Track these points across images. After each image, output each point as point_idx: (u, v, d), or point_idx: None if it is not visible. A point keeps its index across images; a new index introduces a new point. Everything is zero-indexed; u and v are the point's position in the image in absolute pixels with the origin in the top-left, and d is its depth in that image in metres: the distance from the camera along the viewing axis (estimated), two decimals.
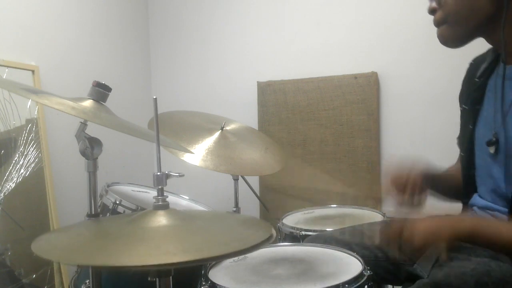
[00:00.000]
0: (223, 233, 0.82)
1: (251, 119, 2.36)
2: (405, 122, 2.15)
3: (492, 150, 0.99)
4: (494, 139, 0.98)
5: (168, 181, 0.85)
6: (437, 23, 1.01)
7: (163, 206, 0.83)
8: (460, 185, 1.17)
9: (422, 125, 2.11)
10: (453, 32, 1.00)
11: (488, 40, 1.01)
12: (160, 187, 0.83)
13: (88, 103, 1.04)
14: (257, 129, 2.34)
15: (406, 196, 1.14)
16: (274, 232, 0.80)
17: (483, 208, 1.05)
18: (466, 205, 1.13)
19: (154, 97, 0.83)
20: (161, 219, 0.80)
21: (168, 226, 0.79)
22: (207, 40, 2.59)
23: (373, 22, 2.19)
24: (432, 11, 1.02)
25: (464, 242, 0.91)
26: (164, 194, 0.84)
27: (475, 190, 1.10)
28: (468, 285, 0.93)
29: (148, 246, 0.72)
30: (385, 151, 2.19)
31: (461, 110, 1.17)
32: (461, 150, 1.15)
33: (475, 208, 1.08)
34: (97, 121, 0.94)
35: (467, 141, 1.11)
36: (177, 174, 0.84)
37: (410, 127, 2.14)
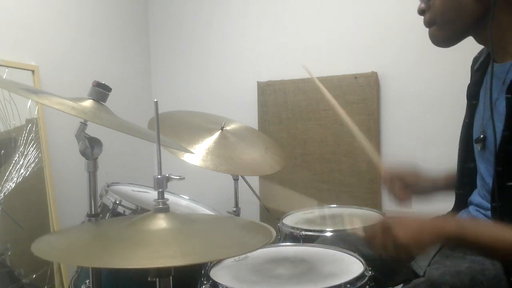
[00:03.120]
0: (223, 237, 0.82)
1: (251, 119, 2.36)
2: (405, 122, 2.15)
3: (479, 147, 1.00)
4: (481, 136, 0.99)
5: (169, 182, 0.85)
6: (427, 24, 1.04)
7: (164, 209, 0.83)
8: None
9: (422, 125, 2.11)
10: (443, 33, 1.02)
11: (477, 39, 1.03)
12: (160, 190, 0.82)
13: (88, 103, 1.03)
14: (257, 129, 2.34)
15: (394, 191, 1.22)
16: (274, 235, 0.80)
17: (477, 206, 1.06)
18: (462, 196, 1.13)
19: (155, 100, 0.83)
20: (161, 222, 0.80)
21: (168, 230, 0.79)
22: (207, 40, 2.59)
23: (373, 22, 2.19)
24: (421, 12, 1.04)
25: (449, 247, 0.90)
26: (164, 195, 0.84)
27: (471, 183, 1.11)
28: (463, 283, 0.94)
29: (147, 250, 0.72)
30: (385, 151, 2.18)
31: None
32: (459, 143, 1.16)
33: (470, 206, 1.09)
34: (97, 121, 0.94)
35: (463, 134, 1.12)
36: (178, 177, 0.84)
37: (410, 127, 2.14)
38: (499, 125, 0.94)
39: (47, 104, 0.91)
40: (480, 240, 0.86)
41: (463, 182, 1.12)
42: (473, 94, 1.09)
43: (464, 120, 1.13)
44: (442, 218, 0.98)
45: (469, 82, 1.17)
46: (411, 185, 1.22)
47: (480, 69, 1.08)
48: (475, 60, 1.15)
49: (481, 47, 1.09)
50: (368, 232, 0.93)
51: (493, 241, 0.86)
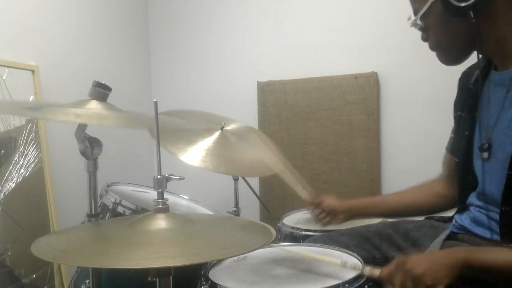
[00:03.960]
0: (223, 237, 0.83)
1: (251, 119, 2.36)
2: (405, 122, 2.15)
3: (485, 155, 1.01)
4: (487, 144, 1.00)
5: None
6: (431, 49, 1.08)
7: (163, 209, 0.83)
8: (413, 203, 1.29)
9: (422, 125, 2.11)
10: (446, 57, 1.07)
11: (480, 52, 1.04)
12: (160, 190, 0.83)
13: (91, 104, 1.03)
14: (257, 129, 2.34)
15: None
16: (274, 235, 0.81)
17: (479, 207, 1.06)
18: (462, 210, 1.13)
19: (155, 100, 0.83)
20: (161, 223, 0.80)
21: (168, 230, 0.79)
22: (207, 40, 2.59)
23: (373, 22, 2.19)
24: (424, 40, 1.08)
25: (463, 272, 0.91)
26: (164, 195, 0.84)
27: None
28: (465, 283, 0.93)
29: (147, 250, 0.72)
30: (385, 151, 2.19)
31: (455, 117, 1.19)
32: (456, 157, 1.16)
33: (471, 208, 1.09)
34: (105, 122, 0.94)
35: (463, 147, 1.11)
36: (178, 177, 0.84)
37: (410, 127, 2.14)
38: (508, 132, 0.95)
39: (51, 118, 0.90)
40: (491, 265, 0.89)
41: (465, 196, 1.12)
42: (473, 106, 1.10)
43: (463, 133, 1.13)
44: (452, 249, 1.00)
45: (456, 97, 1.21)
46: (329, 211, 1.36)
47: (478, 82, 1.09)
48: (469, 74, 1.16)
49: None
50: (384, 272, 0.94)
51: (506, 262, 0.88)
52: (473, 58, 1.14)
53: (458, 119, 1.18)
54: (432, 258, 0.93)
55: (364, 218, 1.44)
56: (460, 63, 1.07)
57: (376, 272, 0.96)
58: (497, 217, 0.99)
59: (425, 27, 1.04)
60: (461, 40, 1.00)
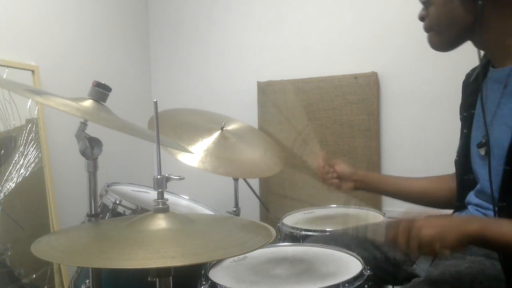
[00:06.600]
0: (223, 237, 0.83)
1: (251, 119, 2.36)
2: (405, 122, 2.15)
3: (482, 151, 1.01)
4: (483, 140, 1.00)
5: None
6: (426, 30, 1.07)
7: (163, 209, 0.83)
8: (422, 192, 1.28)
9: (422, 125, 2.11)
10: (439, 39, 1.05)
11: (475, 44, 1.03)
12: (160, 190, 0.83)
13: (88, 103, 1.03)
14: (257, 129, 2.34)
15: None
16: (274, 235, 0.81)
17: (477, 206, 1.06)
18: (460, 209, 1.14)
19: (155, 100, 0.83)
20: (161, 223, 0.80)
21: (167, 230, 0.79)
22: (207, 40, 2.59)
23: (373, 22, 2.19)
24: (421, 18, 1.07)
25: (472, 245, 0.88)
26: (164, 195, 0.84)
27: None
28: (463, 283, 0.94)
29: (147, 250, 0.72)
30: (385, 151, 2.19)
31: (461, 119, 1.19)
32: (457, 155, 1.16)
33: (469, 206, 1.09)
34: (102, 123, 0.94)
35: (462, 145, 1.12)
36: (177, 177, 0.85)
37: (410, 127, 2.14)
38: (505, 128, 0.95)
39: (52, 105, 0.91)
40: (505, 239, 0.84)
41: (463, 195, 1.12)
42: (471, 104, 1.10)
43: (462, 132, 1.13)
44: (466, 217, 0.97)
45: (461, 100, 1.19)
46: (341, 175, 1.36)
47: (477, 79, 1.09)
48: (469, 75, 1.16)
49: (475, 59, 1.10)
50: (390, 232, 0.91)
51: None
52: (467, 56, 1.14)
53: (462, 121, 1.18)
54: (444, 223, 0.88)
55: (373, 193, 1.44)
56: (450, 49, 1.06)
57: (379, 235, 0.95)
58: (491, 214, 0.99)
59: (428, 2, 1.02)
60: (462, 23, 0.99)
